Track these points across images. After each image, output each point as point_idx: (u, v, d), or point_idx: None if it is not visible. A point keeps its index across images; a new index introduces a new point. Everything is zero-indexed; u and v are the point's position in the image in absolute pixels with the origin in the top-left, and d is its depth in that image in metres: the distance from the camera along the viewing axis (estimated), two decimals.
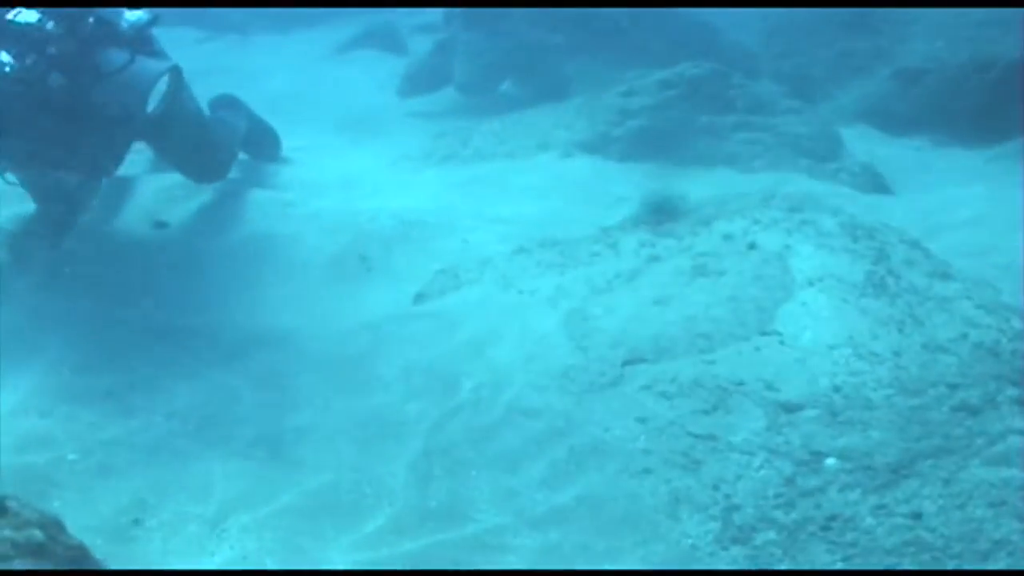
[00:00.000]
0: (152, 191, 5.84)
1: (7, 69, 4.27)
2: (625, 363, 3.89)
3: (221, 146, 5.93)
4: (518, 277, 4.61)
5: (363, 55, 9.69)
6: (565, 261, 4.63)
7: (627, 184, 5.87)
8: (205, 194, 5.85)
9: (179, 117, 5.31)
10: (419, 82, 8.09)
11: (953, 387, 3.52)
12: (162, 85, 4.85)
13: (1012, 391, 3.51)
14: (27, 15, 4.45)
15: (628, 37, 7.82)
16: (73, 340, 4.41)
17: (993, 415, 3.40)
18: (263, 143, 6.67)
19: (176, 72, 4.99)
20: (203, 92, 6.70)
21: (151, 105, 4.75)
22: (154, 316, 4.62)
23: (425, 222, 5.48)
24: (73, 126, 4.51)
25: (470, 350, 4.13)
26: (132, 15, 4.76)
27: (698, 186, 5.91)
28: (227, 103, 6.58)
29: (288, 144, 6.78)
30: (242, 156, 6.47)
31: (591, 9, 7.74)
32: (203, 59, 9.57)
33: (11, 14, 4.43)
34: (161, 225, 5.56)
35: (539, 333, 4.15)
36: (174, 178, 5.91)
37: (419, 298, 4.73)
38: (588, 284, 4.39)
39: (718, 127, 6.26)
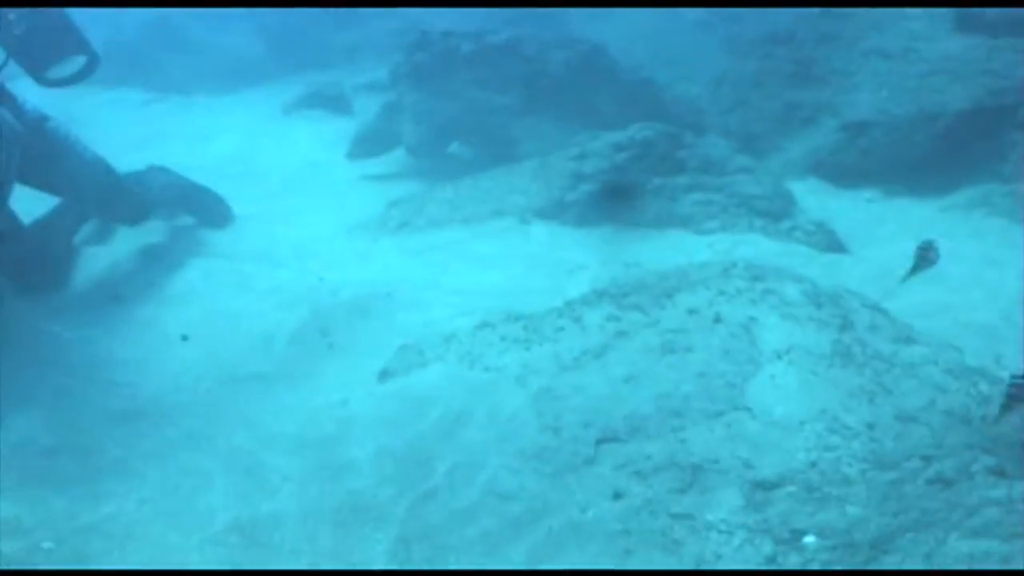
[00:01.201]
0: (106, 262, 5.86)
1: None
2: (598, 442, 3.94)
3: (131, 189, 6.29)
4: (484, 354, 4.66)
5: (309, 115, 9.74)
6: (530, 336, 4.68)
7: (585, 250, 5.97)
8: (159, 264, 5.88)
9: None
10: (368, 144, 8.15)
11: (927, 459, 3.62)
12: None
13: (986, 459, 3.61)
14: None
15: (575, 96, 7.93)
16: (37, 419, 4.38)
17: (968, 486, 3.50)
18: (210, 208, 6.74)
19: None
20: (150, 157, 6.78)
21: None
22: (117, 394, 4.60)
23: (385, 295, 5.55)
24: None
25: (441, 431, 4.17)
26: None
27: (655, 251, 6.02)
28: (158, 171, 6.68)
29: (239, 210, 6.80)
30: (191, 221, 6.52)
31: (536, 69, 7.83)
32: (148, 122, 9.62)
33: None
34: (117, 298, 5.59)
35: (509, 412, 4.19)
36: (126, 248, 5.96)
37: (384, 375, 4.76)
38: (556, 361, 4.44)
39: (670, 188, 6.37)
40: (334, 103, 9.72)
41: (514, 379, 4.42)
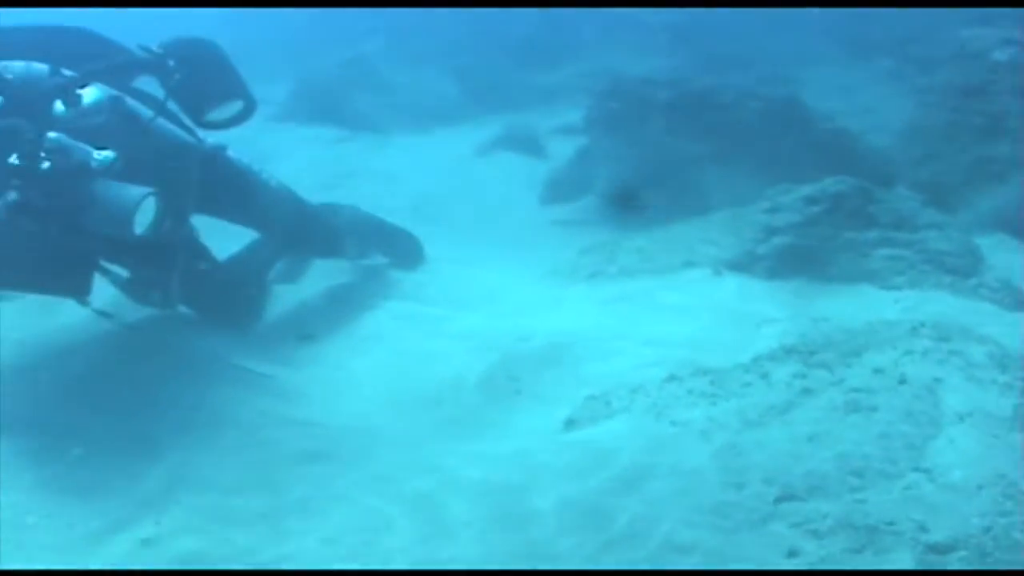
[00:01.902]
0: (296, 300, 6.29)
1: None
2: (777, 500, 4.15)
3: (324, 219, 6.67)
4: (670, 407, 4.91)
5: (502, 157, 10.11)
6: (717, 391, 4.92)
7: (775, 304, 6.14)
8: (349, 304, 6.29)
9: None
10: (560, 189, 8.49)
11: None
12: (147, 209, 5.10)
13: None
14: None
15: (768, 146, 8.13)
16: (224, 455, 4.78)
17: None
18: (403, 248, 7.12)
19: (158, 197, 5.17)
20: (341, 196, 7.22)
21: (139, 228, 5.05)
22: (304, 433, 4.98)
23: (574, 344, 5.81)
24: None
25: (623, 483, 4.40)
26: (100, 154, 5.02)
27: (843, 306, 6.15)
28: (349, 210, 7.19)
29: (431, 251, 7.18)
30: (383, 261, 6.91)
31: (732, 118, 8.07)
32: (340, 161, 10.13)
33: None
34: (307, 337, 6.00)
35: (692, 467, 4.42)
36: (317, 287, 6.39)
37: (569, 424, 5.03)
38: (741, 416, 4.67)
39: (861, 243, 6.52)
40: (527, 145, 10.08)
41: (699, 433, 4.65)
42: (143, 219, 5.02)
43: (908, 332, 5.04)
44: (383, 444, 4.99)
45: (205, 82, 5.70)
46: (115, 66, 5.56)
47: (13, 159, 4.82)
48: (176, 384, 5.31)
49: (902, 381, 4.64)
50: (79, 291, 5.34)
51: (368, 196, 7.91)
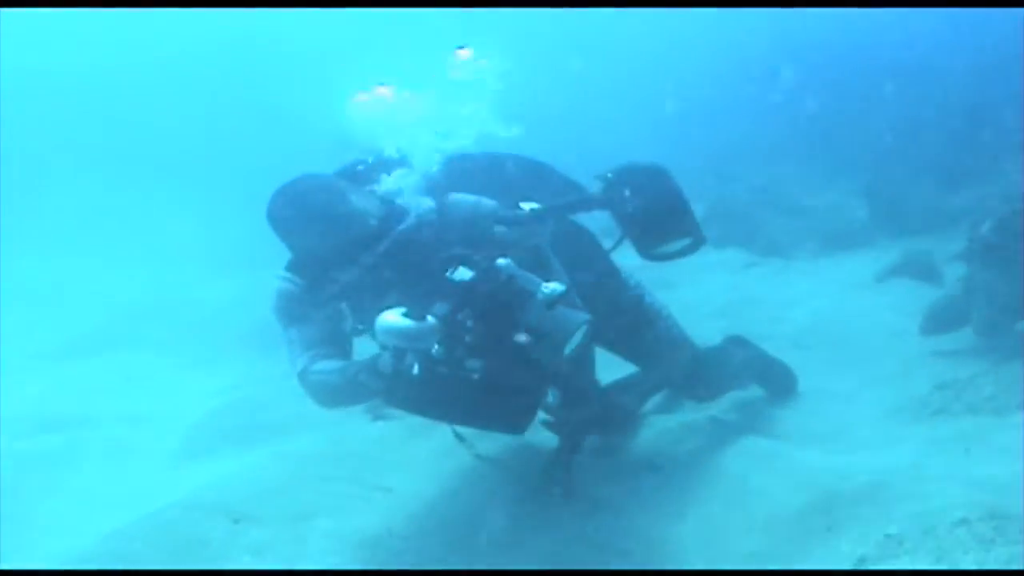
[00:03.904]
0: (659, 428, 6.87)
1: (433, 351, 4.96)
2: None
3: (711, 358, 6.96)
4: (950, 551, 5.17)
5: (898, 284, 10.30)
6: (996, 537, 5.14)
7: None
8: (710, 437, 6.83)
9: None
10: (940, 320, 8.64)
11: None
12: (577, 337, 5.19)
13: None
14: (463, 272, 5.11)
15: None
16: None
17: None
18: (779, 381, 7.55)
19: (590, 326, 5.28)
20: (731, 325, 7.78)
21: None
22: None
23: (895, 483, 6.07)
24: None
25: None
26: (547, 287, 5.13)
27: None
28: (735, 344, 7.50)
29: (804, 385, 7.60)
30: (760, 393, 7.36)
31: None
32: (741, 287, 10.64)
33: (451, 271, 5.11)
34: (654, 467, 6.55)
35: None
36: (684, 417, 6.96)
37: (861, 560, 5.38)
38: (1006, 563, 4.88)
39: None
40: (925, 272, 10.23)
41: None
42: (571, 345, 5.13)
43: None
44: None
45: (661, 216, 5.83)
46: (574, 203, 5.89)
47: (464, 276, 5.05)
48: None
49: None
50: (518, 428, 5.35)
51: (756, 323, 8.38)
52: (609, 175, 5.82)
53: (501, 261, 5.12)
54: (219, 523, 6.41)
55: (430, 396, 5.09)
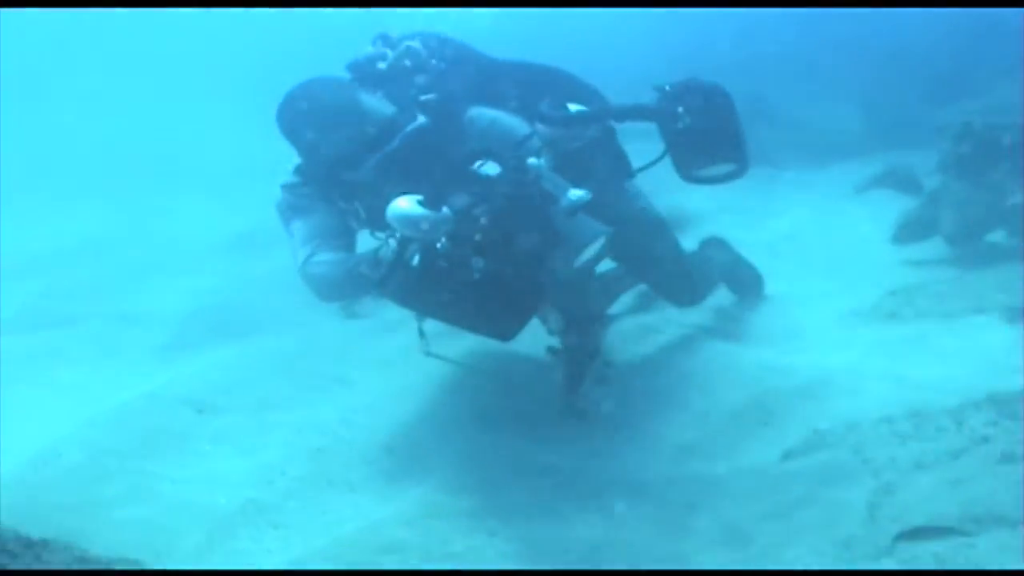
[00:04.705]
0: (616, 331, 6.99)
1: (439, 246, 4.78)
2: (897, 538, 4.58)
3: (694, 269, 6.88)
4: (868, 445, 5.31)
5: (878, 195, 10.30)
6: (913, 434, 5.30)
7: None
8: (661, 338, 6.97)
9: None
10: (911, 230, 8.69)
11: None
12: (594, 248, 5.21)
13: None
14: (491, 167, 5.07)
15: None
16: (456, 466, 5.64)
17: None
18: (746, 285, 7.65)
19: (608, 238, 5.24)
20: (711, 230, 7.87)
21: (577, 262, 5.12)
22: (529, 453, 5.72)
23: (834, 382, 6.21)
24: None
25: (781, 510, 4.98)
26: (574, 193, 5.04)
27: None
28: (715, 244, 7.58)
29: (772, 289, 7.71)
30: (730, 298, 7.54)
31: None
32: (726, 195, 10.62)
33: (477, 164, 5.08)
34: (607, 363, 6.60)
35: (846, 501, 4.90)
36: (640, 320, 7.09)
37: (787, 456, 5.52)
38: (915, 459, 5.06)
39: None
40: (906, 184, 10.23)
41: (873, 472, 5.07)
42: (585, 256, 5.10)
43: None
44: (599, 465, 5.69)
45: (711, 137, 5.59)
46: (624, 109, 5.74)
47: (490, 171, 4.99)
48: None
49: None
50: (506, 334, 5.11)
51: (734, 230, 8.43)
52: (667, 87, 5.62)
53: (532, 160, 5.00)
54: (183, 413, 6.67)
55: (424, 290, 4.94)
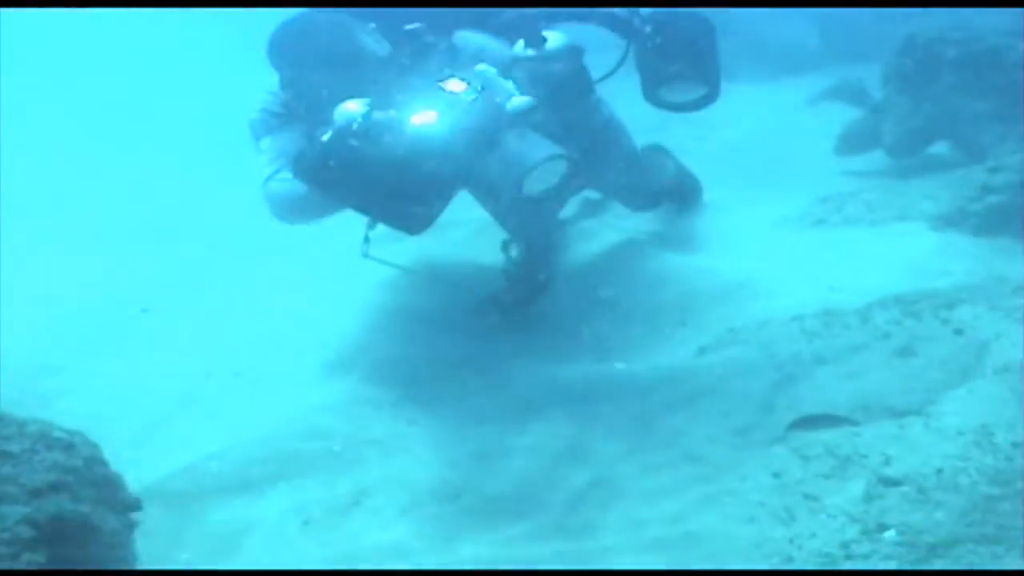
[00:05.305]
0: None
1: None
2: (791, 426, 4.68)
3: (649, 175, 6.91)
4: (777, 341, 5.44)
5: (829, 108, 10.35)
6: (820, 331, 5.41)
7: (966, 260, 6.28)
8: (595, 242, 7.06)
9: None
10: (854, 141, 8.78)
11: None
12: (551, 173, 4.76)
13: None
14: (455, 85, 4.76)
15: None
16: (385, 359, 5.79)
17: None
18: (686, 194, 7.73)
19: (567, 161, 4.77)
20: (662, 139, 7.94)
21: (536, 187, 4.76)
22: (454, 348, 5.86)
23: (756, 284, 6.30)
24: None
25: (684, 399, 5.14)
26: (518, 100, 4.75)
27: None
28: (654, 150, 7.60)
29: (710, 196, 7.80)
30: (671, 207, 7.54)
31: (1018, 77, 8.06)
32: None
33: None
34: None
35: (747, 392, 5.03)
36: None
37: (702, 351, 5.65)
38: (817, 354, 5.18)
39: None
40: (855, 97, 10.29)
41: (776, 366, 5.19)
42: (542, 181, 4.73)
43: (1011, 291, 5.25)
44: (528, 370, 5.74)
45: (676, 58, 5.49)
46: (591, 14, 5.57)
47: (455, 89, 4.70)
48: None
49: (958, 332, 4.93)
50: (412, 230, 5.02)
51: (683, 140, 8.51)
52: (641, 11, 5.47)
53: (481, 66, 4.83)
54: (127, 312, 6.85)
55: (333, 169, 4.73)
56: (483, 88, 4.73)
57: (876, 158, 8.54)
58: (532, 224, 5.72)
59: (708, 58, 5.59)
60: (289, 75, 5.56)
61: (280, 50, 5.56)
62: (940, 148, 8.31)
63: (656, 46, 5.43)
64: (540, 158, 4.64)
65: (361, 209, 5.09)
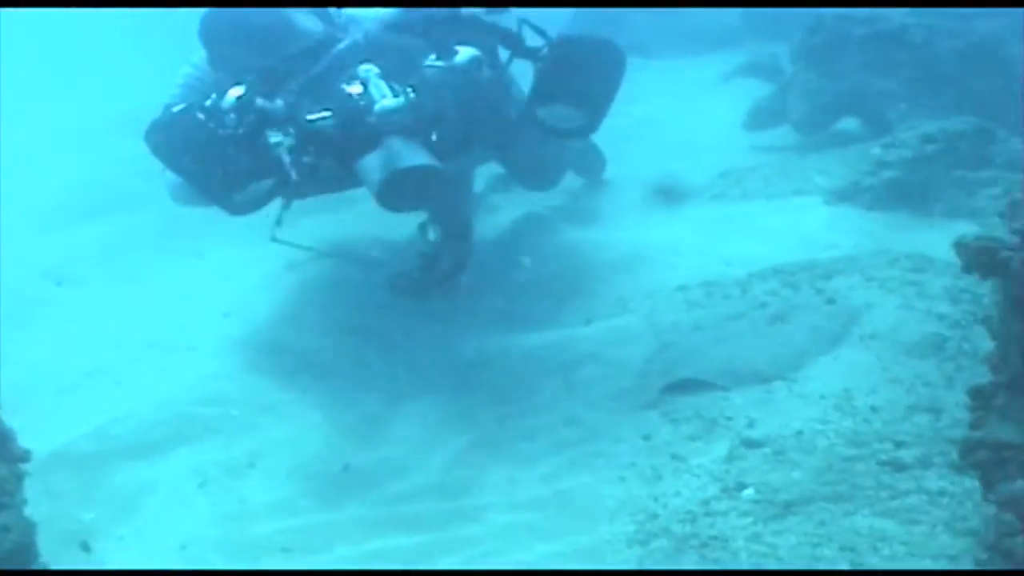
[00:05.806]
0: None
1: None
2: (663, 390, 4.79)
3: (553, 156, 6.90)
4: (660, 311, 5.56)
5: (742, 84, 10.41)
6: (702, 301, 5.53)
7: (857, 233, 6.38)
8: (499, 215, 7.14)
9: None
10: (763, 117, 8.88)
11: (899, 444, 4.11)
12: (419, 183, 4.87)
13: (954, 455, 4.03)
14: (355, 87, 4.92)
15: (956, 86, 8.16)
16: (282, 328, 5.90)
17: (916, 474, 3.98)
18: (589, 166, 7.80)
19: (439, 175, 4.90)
20: None
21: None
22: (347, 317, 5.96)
23: (650, 257, 6.40)
24: None
25: (564, 367, 5.27)
26: (388, 101, 4.85)
27: (932, 239, 6.35)
28: None
29: (614, 171, 7.88)
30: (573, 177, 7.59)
31: (922, 56, 8.20)
32: None
33: None
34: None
35: (627, 359, 5.18)
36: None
37: (588, 321, 5.74)
38: (696, 323, 5.30)
39: (970, 182, 6.68)
40: (768, 73, 10.38)
41: (656, 334, 5.30)
42: (413, 191, 4.86)
43: (887, 262, 5.37)
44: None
45: (560, 81, 5.36)
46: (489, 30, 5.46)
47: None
48: None
49: (830, 301, 5.05)
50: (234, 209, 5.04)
51: None
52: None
53: (364, 67, 4.92)
54: (44, 285, 6.98)
55: (178, 138, 4.82)
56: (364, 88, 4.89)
57: (783, 133, 8.64)
58: (450, 209, 5.65)
59: (596, 88, 5.47)
60: (219, 52, 5.55)
61: (212, 27, 5.54)
62: (849, 124, 8.40)
63: (544, 68, 5.32)
64: (394, 171, 4.77)
65: (192, 181, 5.07)
